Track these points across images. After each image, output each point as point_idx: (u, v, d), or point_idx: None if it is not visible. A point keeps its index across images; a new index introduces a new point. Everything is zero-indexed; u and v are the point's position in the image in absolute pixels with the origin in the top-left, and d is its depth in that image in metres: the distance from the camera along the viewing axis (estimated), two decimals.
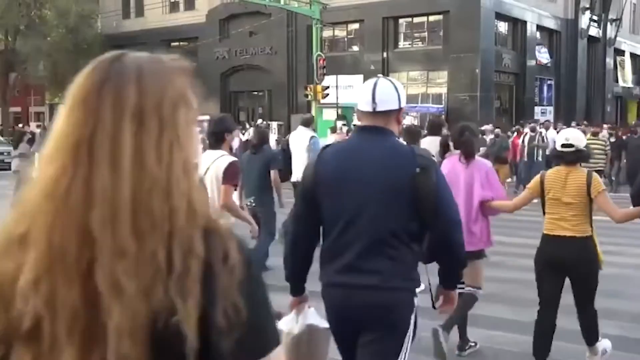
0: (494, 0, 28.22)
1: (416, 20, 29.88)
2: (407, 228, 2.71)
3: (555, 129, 19.56)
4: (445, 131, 8.53)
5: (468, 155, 4.94)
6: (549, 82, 33.61)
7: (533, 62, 31.68)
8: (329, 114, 26.36)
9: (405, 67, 29.42)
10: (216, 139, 5.08)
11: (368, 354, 2.77)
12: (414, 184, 2.65)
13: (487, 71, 28.05)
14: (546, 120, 21.09)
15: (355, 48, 31.33)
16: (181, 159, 1.03)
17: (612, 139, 18.47)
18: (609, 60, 37.34)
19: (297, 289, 3.03)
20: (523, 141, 16.87)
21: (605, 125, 21.26)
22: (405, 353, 2.79)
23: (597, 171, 5.83)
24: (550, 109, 31.54)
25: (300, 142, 9.53)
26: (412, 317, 2.78)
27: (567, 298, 5.44)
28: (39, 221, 0.99)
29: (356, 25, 30.84)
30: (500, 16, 29.34)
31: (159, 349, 0.98)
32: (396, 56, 29.67)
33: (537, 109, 30.69)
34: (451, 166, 4.96)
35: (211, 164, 4.91)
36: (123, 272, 0.96)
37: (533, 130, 17.09)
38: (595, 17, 34.89)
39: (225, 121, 5.33)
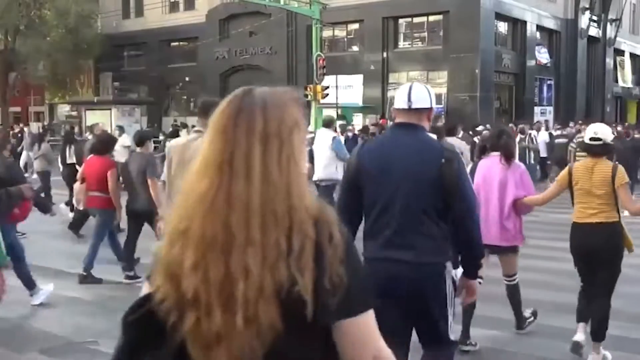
0: (494, 0, 28.22)
1: (416, 20, 29.86)
2: (435, 207, 3.17)
3: (547, 130, 19.55)
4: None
5: (509, 158, 5.34)
6: (548, 82, 33.60)
7: (533, 62, 31.67)
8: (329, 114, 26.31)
9: (405, 67, 29.37)
10: None
11: (421, 330, 3.28)
12: (441, 173, 3.12)
13: (487, 71, 28.03)
14: (537, 122, 21.04)
15: (355, 48, 31.31)
16: (296, 170, 1.38)
17: None
18: (609, 60, 37.36)
19: None
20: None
21: None
22: (451, 317, 3.26)
23: None
24: (550, 109, 31.58)
25: (323, 142, 9.89)
26: (449, 284, 3.22)
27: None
28: (195, 221, 1.34)
29: (356, 25, 30.81)
30: (500, 16, 29.33)
31: (286, 311, 1.31)
32: (396, 56, 29.66)
33: (537, 109, 30.71)
34: (489, 167, 5.37)
35: None
36: (250, 257, 1.31)
37: (522, 132, 17.05)
38: (595, 17, 34.90)
39: None
